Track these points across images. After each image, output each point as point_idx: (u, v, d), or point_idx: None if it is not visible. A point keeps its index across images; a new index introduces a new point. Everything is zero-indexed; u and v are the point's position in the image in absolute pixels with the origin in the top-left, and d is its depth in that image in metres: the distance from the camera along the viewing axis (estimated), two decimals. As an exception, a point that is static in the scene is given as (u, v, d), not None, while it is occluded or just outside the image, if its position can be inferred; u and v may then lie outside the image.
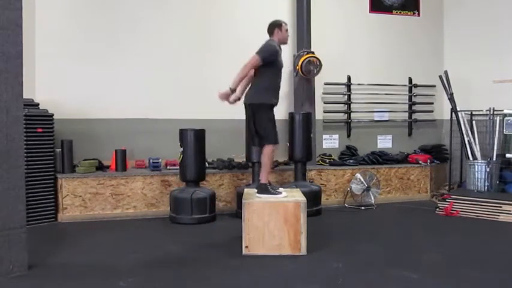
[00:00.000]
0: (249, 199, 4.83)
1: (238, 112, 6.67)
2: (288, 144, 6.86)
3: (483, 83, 7.91)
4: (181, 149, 6.20)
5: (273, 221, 4.69)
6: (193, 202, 6.05)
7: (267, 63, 4.92)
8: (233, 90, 4.96)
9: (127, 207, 6.44)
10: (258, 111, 4.96)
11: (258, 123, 4.97)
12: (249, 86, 5.10)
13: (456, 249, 5.00)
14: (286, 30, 5.19)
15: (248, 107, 5.05)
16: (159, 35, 7.17)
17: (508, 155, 7.18)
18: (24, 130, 4.58)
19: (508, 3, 7.79)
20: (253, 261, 4.51)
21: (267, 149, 4.96)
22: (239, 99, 5.11)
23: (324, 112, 8.02)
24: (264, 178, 4.95)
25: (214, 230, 5.88)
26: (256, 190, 5.00)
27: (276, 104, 5.11)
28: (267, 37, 7.88)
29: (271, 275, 4.18)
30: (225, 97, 5.04)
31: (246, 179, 6.86)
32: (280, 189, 5.08)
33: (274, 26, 5.12)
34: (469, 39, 8.30)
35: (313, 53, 7.47)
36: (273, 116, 5.04)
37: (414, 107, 8.54)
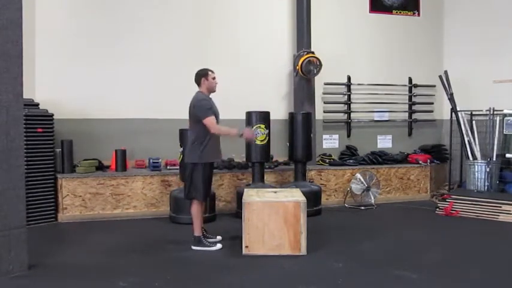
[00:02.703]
0: (249, 199, 4.83)
1: (238, 112, 6.72)
2: (288, 144, 6.86)
3: (483, 83, 7.92)
4: (181, 149, 6.20)
5: (273, 221, 4.69)
6: (193, 202, 6.04)
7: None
8: (240, 135, 4.93)
9: (127, 207, 6.44)
10: (195, 170, 4.89)
11: (193, 181, 4.91)
12: (188, 143, 5.02)
13: (456, 249, 5.00)
14: (214, 78, 5.07)
15: (187, 164, 4.99)
16: (159, 35, 7.17)
17: (508, 155, 7.18)
18: (24, 130, 4.57)
19: (508, 3, 7.80)
20: (253, 261, 4.51)
21: (194, 205, 4.95)
22: (242, 135, 5.00)
23: (324, 112, 8.02)
24: (196, 230, 4.95)
25: (214, 230, 5.88)
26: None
27: (218, 160, 5.09)
28: (266, 37, 7.93)
29: (271, 275, 4.18)
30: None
31: (246, 179, 6.86)
32: (218, 237, 5.14)
33: (201, 76, 5.04)
34: (469, 39, 8.31)
35: (313, 53, 7.47)
36: (210, 173, 4.98)
37: (414, 107, 8.54)
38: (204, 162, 4.88)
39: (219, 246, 4.96)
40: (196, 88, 5.07)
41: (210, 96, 5.07)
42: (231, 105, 7.25)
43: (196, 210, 4.96)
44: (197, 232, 4.96)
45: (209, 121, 4.80)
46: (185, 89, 7.23)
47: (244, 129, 5.15)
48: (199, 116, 4.83)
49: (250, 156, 6.48)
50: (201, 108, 4.86)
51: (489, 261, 4.55)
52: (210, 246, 4.93)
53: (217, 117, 4.95)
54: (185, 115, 7.06)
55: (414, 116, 8.56)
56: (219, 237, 5.19)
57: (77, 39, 6.80)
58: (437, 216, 6.63)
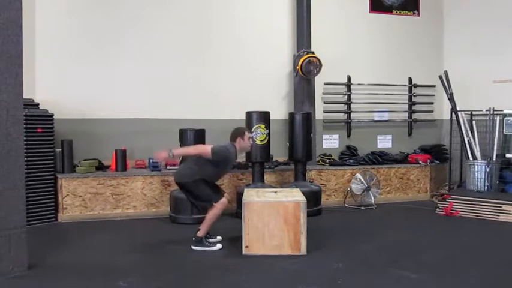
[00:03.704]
0: (249, 199, 4.83)
1: (238, 112, 6.73)
2: (288, 144, 6.86)
3: (483, 83, 7.91)
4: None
5: (273, 221, 4.69)
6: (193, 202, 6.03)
7: (215, 162, 4.90)
8: (172, 155, 4.90)
9: (127, 207, 6.44)
10: (193, 186, 4.92)
11: (197, 194, 4.96)
12: (187, 163, 5.12)
13: (456, 249, 5.00)
14: (249, 138, 5.16)
15: (181, 185, 5.02)
16: (159, 35, 7.17)
17: (508, 155, 7.18)
18: (24, 130, 4.58)
19: (508, 3, 7.79)
20: (253, 261, 4.51)
21: (214, 208, 4.92)
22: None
23: (324, 112, 8.02)
24: (202, 232, 4.96)
25: (214, 230, 5.87)
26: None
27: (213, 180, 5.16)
28: (266, 37, 7.94)
29: (271, 275, 4.18)
30: (162, 158, 5.06)
31: (246, 179, 6.86)
32: (218, 237, 5.17)
33: (237, 135, 5.10)
34: (469, 39, 8.31)
35: (313, 53, 7.47)
36: (206, 182, 4.98)
37: (414, 107, 8.54)
38: (202, 178, 4.91)
39: (219, 246, 4.97)
40: None
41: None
42: (231, 105, 7.29)
43: (213, 214, 4.93)
44: (202, 233, 4.96)
45: (206, 150, 4.87)
46: (185, 89, 7.29)
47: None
48: (213, 149, 4.86)
49: (250, 156, 6.48)
50: (221, 152, 4.89)
51: (489, 261, 4.55)
52: (210, 246, 4.94)
53: (228, 168, 5.17)
54: (185, 115, 7.15)
55: (414, 116, 8.56)
56: (219, 237, 5.19)
57: (77, 39, 6.80)
58: (437, 216, 6.63)
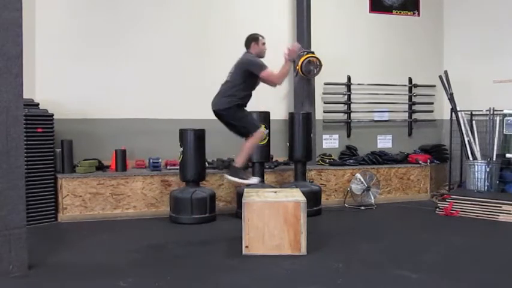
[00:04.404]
0: (249, 199, 4.83)
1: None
2: (288, 144, 6.86)
3: (483, 83, 7.91)
4: (181, 149, 6.21)
5: (273, 221, 4.69)
6: (193, 202, 6.05)
7: (253, 74, 4.95)
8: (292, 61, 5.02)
9: (127, 207, 6.44)
10: (236, 112, 4.98)
11: (241, 119, 5.00)
12: (222, 92, 5.10)
13: (456, 249, 5.00)
14: (264, 43, 5.21)
15: (220, 113, 5.05)
16: (160, 35, 7.17)
17: (508, 155, 7.18)
18: (24, 130, 4.58)
19: (508, 3, 7.79)
20: (253, 261, 4.51)
21: (251, 138, 4.97)
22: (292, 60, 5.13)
23: (324, 112, 8.02)
24: (238, 162, 5.00)
25: (214, 230, 5.88)
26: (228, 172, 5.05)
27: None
28: (266, 37, 7.91)
29: (271, 275, 4.18)
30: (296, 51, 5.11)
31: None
32: (255, 178, 5.16)
33: (251, 40, 5.18)
34: (469, 39, 8.31)
35: (313, 53, 7.47)
36: (243, 109, 5.06)
37: (414, 107, 8.54)
38: (240, 103, 4.98)
39: (255, 180, 4.94)
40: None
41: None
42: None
43: (251, 143, 4.95)
44: (239, 164, 4.96)
45: (267, 73, 4.88)
46: (185, 89, 7.30)
47: (288, 50, 5.05)
48: (254, 70, 4.90)
49: (251, 156, 6.47)
50: (256, 62, 4.96)
51: (489, 261, 4.55)
52: (246, 179, 4.92)
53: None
54: (185, 115, 7.15)
55: (414, 116, 8.56)
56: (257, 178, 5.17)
57: (77, 39, 6.80)
58: (437, 216, 6.63)
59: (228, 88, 5.03)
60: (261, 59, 5.08)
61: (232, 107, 4.96)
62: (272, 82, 4.95)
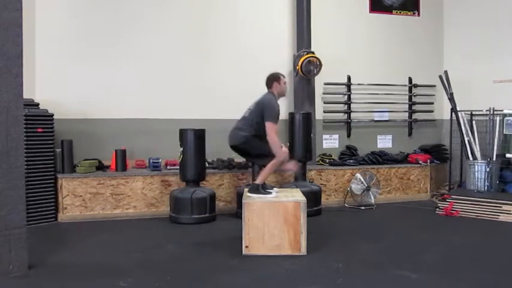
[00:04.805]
0: (249, 199, 4.84)
1: (238, 112, 6.70)
2: (288, 144, 6.86)
3: (483, 83, 7.91)
4: (181, 149, 6.20)
5: (273, 221, 4.69)
6: (193, 202, 6.05)
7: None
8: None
9: (127, 207, 6.44)
10: (249, 142, 5.13)
11: (261, 148, 5.08)
12: (238, 127, 5.23)
13: (456, 249, 5.00)
14: (285, 83, 5.28)
15: (237, 147, 5.22)
16: (160, 35, 7.17)
17: (508, 155, 7.18)
18: (24, 130, 4.58)
19: (508, 3, 7.79)
20: (253, 261, 4.51)
21: (275, 160, 5.04)
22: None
23: (324, 112, 8.02)
24: (260, 179, 5.09)
25: (214, 230, 5.88)
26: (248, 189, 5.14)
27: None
28: (266, 37, 7.93)
29: (271, 275, 4.18)
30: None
31: (246, 179, 6.86)
32: (274, 189, 5.21)
33: (273, 80, 5.22)
34: (469, 39, 8.31)
35: (313, 53, 7.47)
36: (260, 138, 5.15)
37: (414, 107, 8.54)
38: (254, 134, 5.12)
39: (274, 194, 4.99)
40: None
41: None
42: (231, 104, 7.27)
43: (273, 163, 5.02)
44: (259, 181, 5.05)
45: (271, 127, 4.97)
46: (185, 89, 7.29)
47: (291, 161, 5.33)
48: (265, 114, 5.01)
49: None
50: (272, 110, 5.05)
51: (489, 261, 4.55)
52: (266, 193, 4.96)
53: (278, 117, 5.17)
54: (185, 115, 7.14)
55: (414, 116, 8.56)
56: (275, 189, 5.24)
57: (77, 39, 6.80)
58: (437, 216, 6.63)
59: (244, 125, 5.18)
60: (281, 97, 5.28)
61: (249, 139, 5.11)
62: (267, 133, 5.02)
